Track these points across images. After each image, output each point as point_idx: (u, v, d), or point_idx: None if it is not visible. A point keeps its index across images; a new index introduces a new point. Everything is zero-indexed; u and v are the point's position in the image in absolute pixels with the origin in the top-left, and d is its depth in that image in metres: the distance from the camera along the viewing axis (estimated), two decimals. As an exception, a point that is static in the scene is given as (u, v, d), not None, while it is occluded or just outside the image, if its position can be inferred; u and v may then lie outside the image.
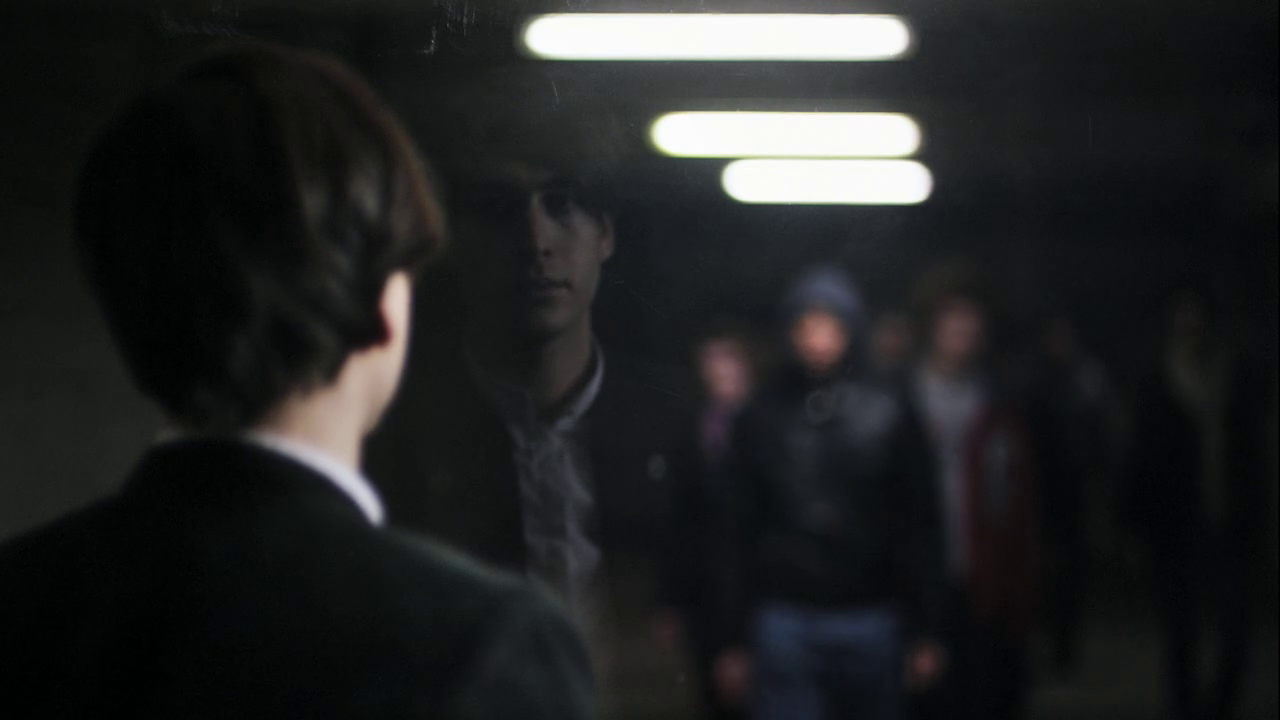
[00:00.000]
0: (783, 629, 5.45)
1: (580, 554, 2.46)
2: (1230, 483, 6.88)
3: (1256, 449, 6.91)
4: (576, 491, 2.47)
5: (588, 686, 1.24)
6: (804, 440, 5.47)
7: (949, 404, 6.20)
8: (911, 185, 5.46)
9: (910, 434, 5.58)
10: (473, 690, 1.18)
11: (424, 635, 1.20)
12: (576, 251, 2.41)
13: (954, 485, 6.10)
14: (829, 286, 5.48)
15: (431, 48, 2.50)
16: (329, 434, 1.30)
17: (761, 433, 5.53)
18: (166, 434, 1.30)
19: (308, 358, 1.28)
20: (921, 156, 5.01)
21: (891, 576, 5.53)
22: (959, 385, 6.26)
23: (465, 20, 2.51)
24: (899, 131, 4.92)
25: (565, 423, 2.46)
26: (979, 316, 6.22)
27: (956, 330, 6.25)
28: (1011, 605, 6.33)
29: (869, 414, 5.51)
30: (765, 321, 5.91)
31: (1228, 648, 6.94)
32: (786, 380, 5.61)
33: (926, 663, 5.62)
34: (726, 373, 6.41)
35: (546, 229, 2.38)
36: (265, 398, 1.28)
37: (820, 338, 5.49)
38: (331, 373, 1.30)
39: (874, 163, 5.28)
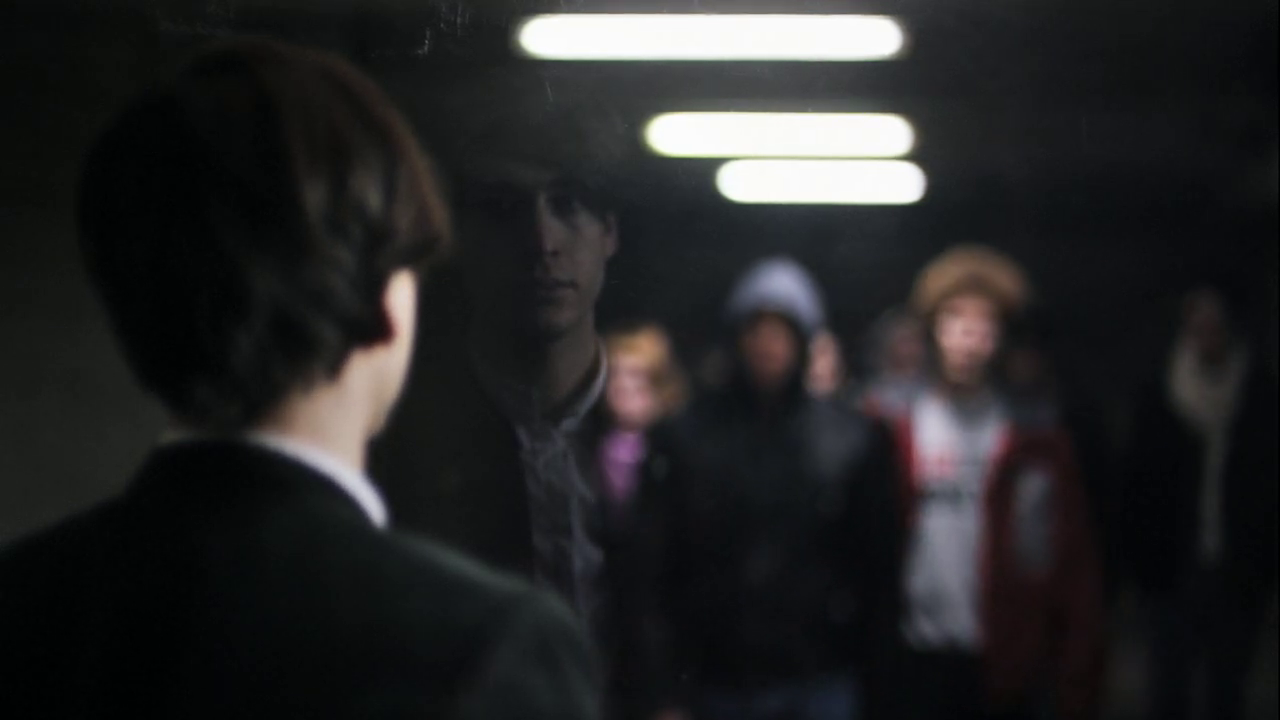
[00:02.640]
0: (716, 709, 4.33)
1: (585, 554, 2.46)
2: (1232, 511, 5.80)
3: (1265, 471, 5.63)
4: (581, 491, 2.47)
5: (591, 690, 1.24)
6: (746, 473, 4.36)
7: (961, 427, 5.00)
8: (906, 185, 5.46)
9: (878, 468, 4.54)
10: (476, 693, 1.18)
11: (428, 638, 1.20)
12: (581, 251, 2.41)
13: (966, 532, 4.87)
14: (785, 285, 4.53)
15: (426, 48, 2.51)
16: (333, 433, 1.30)
17: (690, 463, 4.30)
18: (170, 435, 1.30)
19: (309, 353, 1.28)
20: (916, 157, 5.02)
21: (850, 642, 4.43)
22: (974, 405, 5.00)
23: (459, 20, 2.52)
24: (893, 132, 4.92)
25: (570, 422, 2.46)
26: (994, 319, 4.94)
27: (968, 334, 4.95)
28: (1047, 683, 4.94)
29: (828, 442, 4.45)
30: (696, 326, 4.90)
31: (1221, 700, 5.83)
32: (726, 398, 4.48)
33: None
34: (632, 387, 4.92)
35: (553, 229, 2.38)
36: (267, 394, 1.28)
37: (773, 347, 4.45)
38: (334, 369, 1.29)
39: (868, 163, 5.28)
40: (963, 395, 4.98)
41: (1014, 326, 5.00)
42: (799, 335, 4.47)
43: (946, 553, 4.89)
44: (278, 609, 1.21)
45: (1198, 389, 6.01)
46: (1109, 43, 4.01)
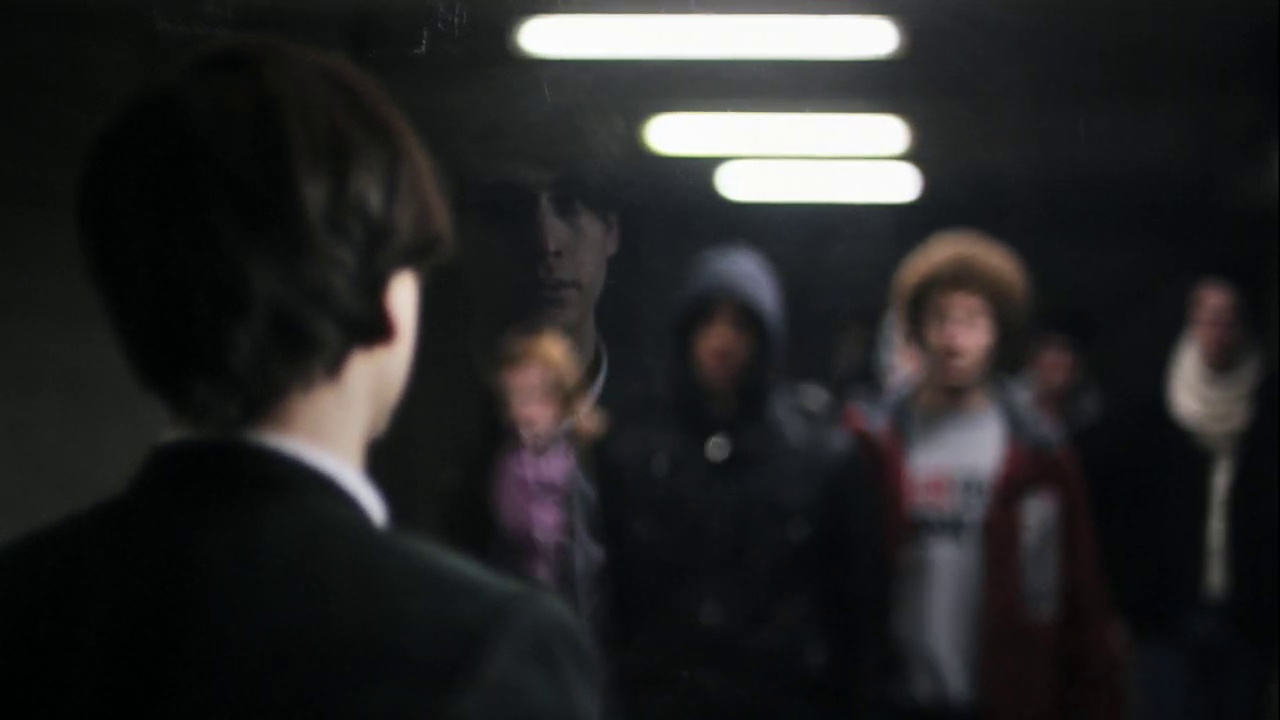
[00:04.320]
0: None
1: (586, 550, 2.46)
2: (1241, 540, 4.92)
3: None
4: (583, 487, 2.47)
5: (591, 691, 1.23)
6: (697, 498, 3.61)
7: (957, 444, 4.20)
8: (903, 185, 5.46)
9: (857, 490, 3.80)
10: (474, 694, 1.18)
11: (426, 638, 1.20)
12: (584, 251, 2.41)
13: (965, 569, 4.10)
14: (743, 271, 3.70)
15: (424, 48, 2.51)
16: (333, 433, 1.30)
17: (631, 487, 3.56)
18: (170, 434, 1.30)
19: (309, 353, 1.27)
20: (913, 156, 5.02)
21: (825, 699, 3.74)
22: (971, 417, 4.22)
23: (457, 20, 2.52)
24: (890, 131, 4.92)
25: (570, 420, 2.46)
26: (989, 313, 4.16)
27: (958, 332, 4.16)
28: None
29: (797, 460, 3.70)
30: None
31: None
32: (673, 409, 3.70)
33: None
34: (535, 398, 3.88)
35: (555, 230, 2.38)
36: (266, 393, 1.27)
37: (730, 344, 3.65)
38: (333, 368, 1.29)
39: (866, 163, 5.28)
40: (957, 406, 4.19)
41: (1011, 321, 4.16)
42: (760, 331, 3.62)
43: (942, 593, 4.10)
44: (276, 608, 1.21)
45: (1203, 398, 5.10)
46: (1107, 43, 4.02)
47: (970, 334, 4.13)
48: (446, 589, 1.22)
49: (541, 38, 3.43)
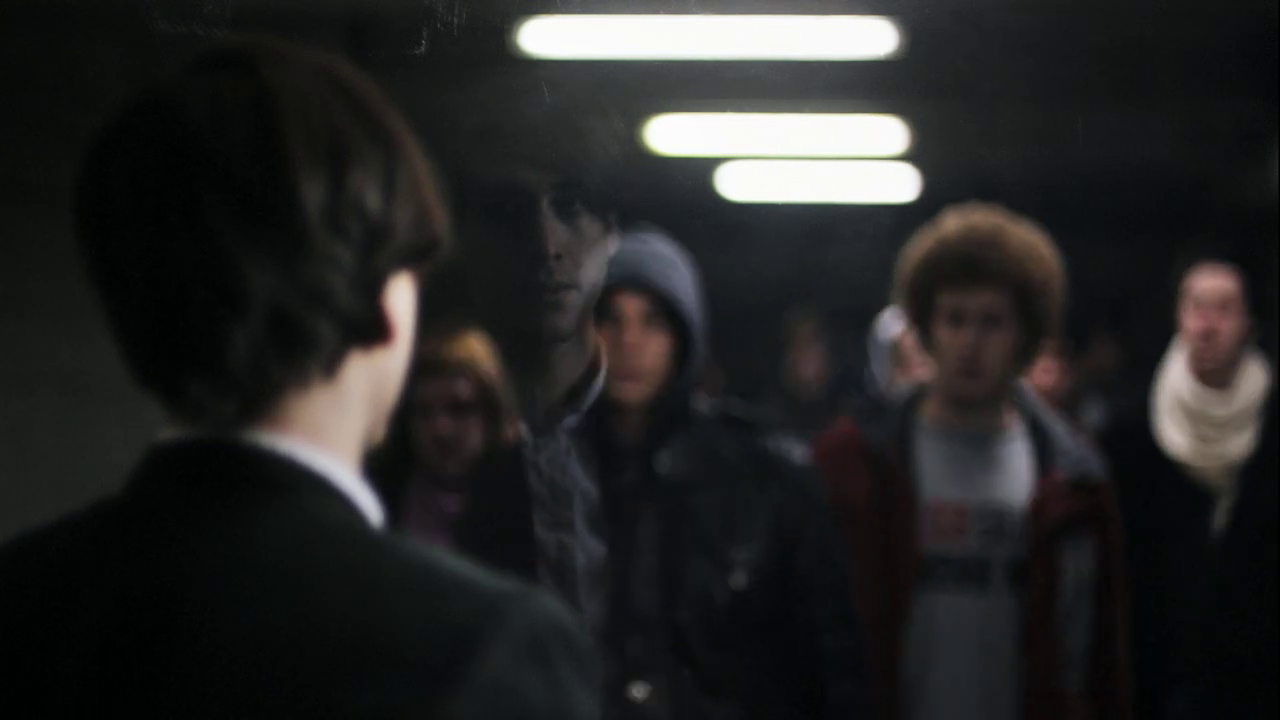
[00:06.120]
0: None
1: (587, 549, 2.46)
2: (1244, 586, 3.75)
3: None
4: (583, 486, 2.47)
5: (588, 690, 1.23)
6: (612, 545, 2.60)
7: (975, 467, 3.34)
8: (902, 185, 5.47)
9: (818, 527, 2.77)
10: (468, 694, 1.18)
11: (420, 638, 1.19)
12: (584, 253, 2.40)
13: (991, 624, 3.27)
14: (656, 255, 2.76)
15: (423, 48, 2.51)
16: (329, 433, 1.29)
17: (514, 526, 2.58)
18: (166, 433, 1.30)
19: (305, 351, 1.27)
20: (912, 157, 5.03)
21: None
22: (992, 435, 3.35)
23: (456, 21, 2.52)
24: (889, 132, 4.92)
25: (570, 419, 2.46)
26: (1011, 307, 3.28)
27: (971, 330, 3.28)
28: None
29: (738, 493, 2.70)
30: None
31: None
32: (576, 429, 2.55)
33: None
34: (450, 413, 3.15)
35: (556, 232, 2.37)
36: (263, 393, 1.27)
37: (640, 343, 2.71)
38: (330, 368, 1.29)
39: (865, 163, 5.29)
40: (975, 423, 3.34)
41: (1040, 318, 3.28)
42: (679, 329, 2.75)
43: (958, 654, 3.26)
44: (268, 608, 1.21)
45: (1192, 423, 4.05)
46: (1106, 43, 4.02)
47: (989, 337, 3.27)
48: (441, 588, 1.22)
49: (541, 38, 3.44)
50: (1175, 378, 4.06)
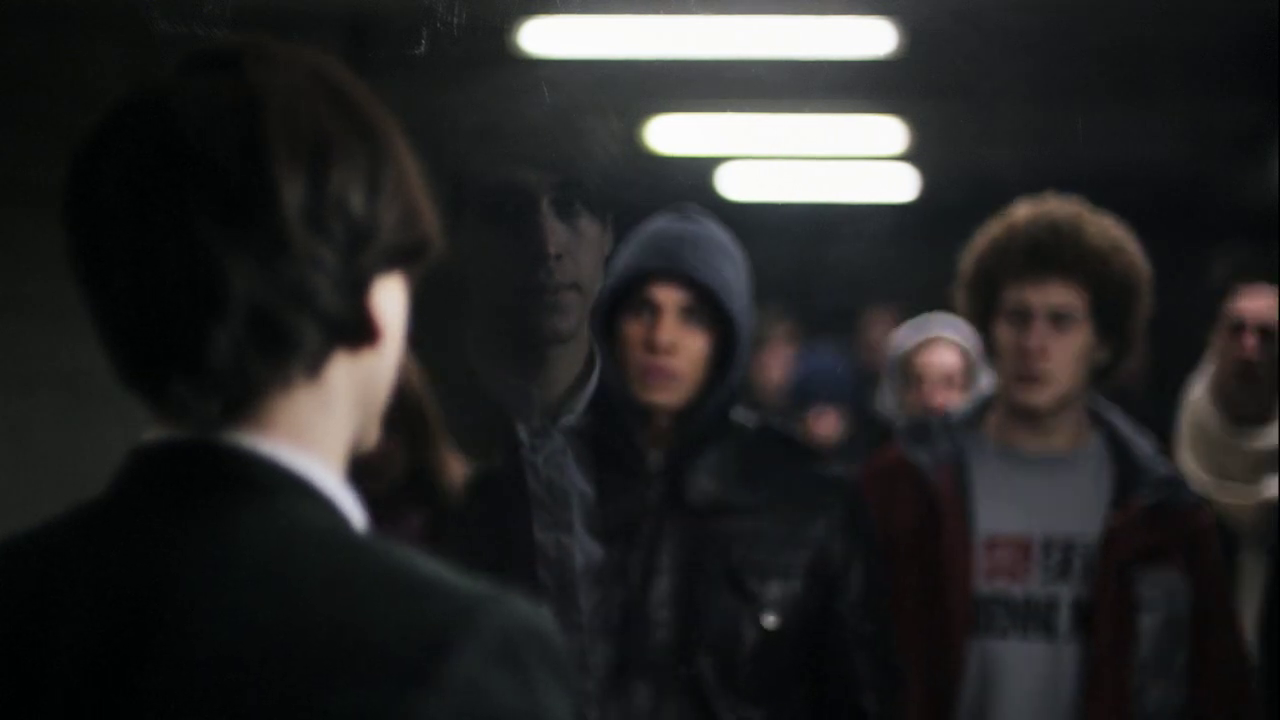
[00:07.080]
0: None
1: (586, 549, 2.45)
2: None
3: None
4: (580, 486, 2.46)
5: (562, 693, 1.22)
6: (626, 572, 2.42)
7: (1046, 493, 2.94)
8: (902, 185, 5.47)
9: (857, 568, 2.48)
10: (438, 695, 1.17)
11: (394, 639, 1.19)
12: (583, 253, 2.40)
13: (1058, 675, 2.85)
14: (697, 238, 2.48)
15: (422, 48, 2.51)
16: (313, 435, 1.29)
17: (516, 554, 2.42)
18: (150, 434, 1.30)
19: (288, 351, 1.26)
20: (912, 156, 5.03)
21: None
22: (1067, 450, 2.96)
23: (456, 20, 2.52)
24: (890, 131, 4.93)
25: (567, 419, 2.45)
26: (1085, 309, 2.90)
27: (1051, 342, 2.89)
28: None
29: (775, 515, 2.45)
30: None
31: None
32: (593, 439, 2.45)
33: None
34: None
35: (556, 232, 2.37)
36: (245, 393, 1.26)
37: (678, 341, 2.42)
38: (314, 369, 1.28)
39: (865, 163, 5.29)
40: (1042, 440, 2.94)
41: (1121, 319, 2.90)
42: (721, 325, 2.44)
43: (1020, 713, 2.87)
44: (248, 610, 1.21)
45: (1218, 458, 3.45)
46: (1105, 44, 4.02)
47: (1057, 339, 2.88)
48: (419, 590, 1.22)
49: (541, 38, 3.44)
50: (1201, 406, 3.48)
